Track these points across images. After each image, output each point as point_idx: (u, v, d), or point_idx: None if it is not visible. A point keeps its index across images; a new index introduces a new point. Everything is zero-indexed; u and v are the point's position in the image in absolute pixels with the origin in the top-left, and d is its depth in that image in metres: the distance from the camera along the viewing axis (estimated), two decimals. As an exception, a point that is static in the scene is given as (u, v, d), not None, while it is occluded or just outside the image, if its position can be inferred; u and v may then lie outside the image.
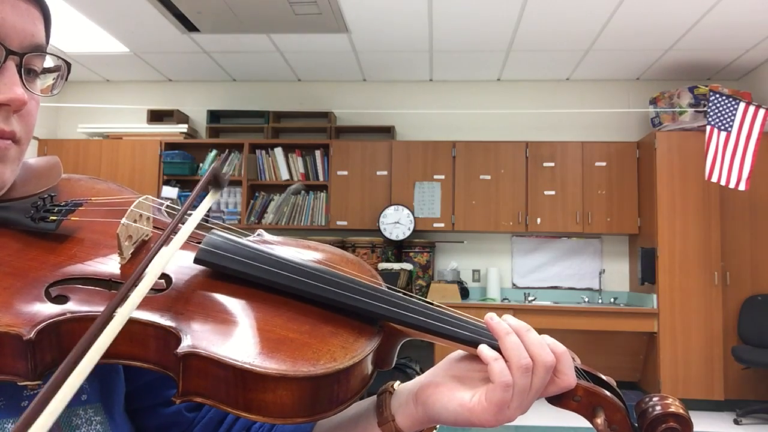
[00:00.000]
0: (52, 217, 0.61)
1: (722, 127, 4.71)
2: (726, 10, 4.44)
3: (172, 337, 0.52)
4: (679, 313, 5.09)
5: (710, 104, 4.77)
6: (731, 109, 4.69)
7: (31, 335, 0.48)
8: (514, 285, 5.95)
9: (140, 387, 0.71)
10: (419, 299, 0.62)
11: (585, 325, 5.14)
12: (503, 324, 0.60)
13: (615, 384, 0.61)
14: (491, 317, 0.61)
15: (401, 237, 5.60)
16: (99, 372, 0.56)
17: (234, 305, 0.57)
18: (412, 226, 5.60)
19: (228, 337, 0.53)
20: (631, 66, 5.69)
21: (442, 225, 5.71)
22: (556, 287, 5.89)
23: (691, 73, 5.77)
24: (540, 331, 0.61)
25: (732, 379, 5.05)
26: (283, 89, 6.32)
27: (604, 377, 0.62)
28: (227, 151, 6.03)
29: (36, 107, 0.63)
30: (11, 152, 0.60)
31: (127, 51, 5.54)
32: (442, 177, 5.76)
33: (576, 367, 0.61)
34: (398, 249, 5.75)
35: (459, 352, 0.64)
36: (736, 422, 4.72)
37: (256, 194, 6.02)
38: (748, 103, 4.69)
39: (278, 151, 5.95)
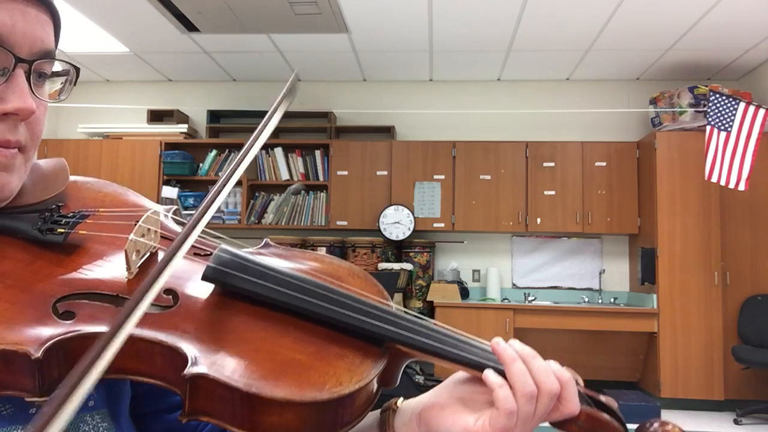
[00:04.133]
0: (59, 230, 0.60)
1: (722, 127, 4.71)
2: (726, 10, 4.44)
3: (179, 357, 0.52)
4: (679, 313, 5.09)
5: (710, 104, 4.77)
6: (731, 109, 4.69)
7: (39, 354, 0.48)
8: (514, 285, 5.94)
9: (144, 392, 0.71)
10: (425, 319, 0.62)
11: (585, 325, 5.13)
12: (509, 350, 0.60)
13: (616, 406, 0.62)
14: (497, 342, 0.60)
15: (401, 237, 5.60)
16: (105, 378, 0.56)
17: (241, 324, 0.57)
18: (412, 226, 5.59)
19: (234, 358, 0.53)
20: (631, 66, 5.69)
21: (442, 225, 5.71)
22: (556, 287, 5.89)
23: (691, 73, 5.77)
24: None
25: (732, 379, 5.05)
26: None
27: (603, 399, 0.62)
28: (227, 150, 6.04)
29: (43, 113, 0.63)
30: (17, 161, 0.60)
31: (127, 51, 5.54)
32: (442, 177, 5.76)
33: (579, 391, 0.60)
34: (398, 249, 5.75)
35: (463, 373, 0.64)
36: (736, 422, 4.72)
37: (256, 194, 6.02)
38: (748, 103, 4.69)
39: (278, 151, 5.95)
